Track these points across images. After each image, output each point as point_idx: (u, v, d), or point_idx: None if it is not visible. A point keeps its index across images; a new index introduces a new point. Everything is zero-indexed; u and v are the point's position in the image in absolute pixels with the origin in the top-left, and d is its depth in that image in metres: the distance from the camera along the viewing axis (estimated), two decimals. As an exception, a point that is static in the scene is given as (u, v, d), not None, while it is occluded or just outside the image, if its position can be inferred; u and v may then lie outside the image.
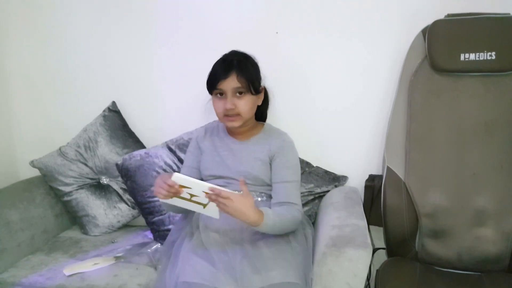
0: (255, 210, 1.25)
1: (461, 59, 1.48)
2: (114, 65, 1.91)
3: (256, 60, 1.46)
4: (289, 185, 1.42)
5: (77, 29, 1.91)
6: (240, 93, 1.38)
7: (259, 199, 1.44)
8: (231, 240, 1.33)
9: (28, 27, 1.95)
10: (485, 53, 1.46)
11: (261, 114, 1.55)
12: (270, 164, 1.45)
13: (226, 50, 1.49)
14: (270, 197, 1.46)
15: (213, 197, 1.19)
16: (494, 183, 1.46)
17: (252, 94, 1.40)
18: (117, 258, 1.54)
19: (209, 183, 1.27)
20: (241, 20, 1.77)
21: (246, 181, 1.42)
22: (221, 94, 1.40)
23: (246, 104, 1.40)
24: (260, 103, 1.49)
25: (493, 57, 1.45)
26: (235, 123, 1.41)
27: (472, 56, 1.47)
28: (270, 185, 1.46)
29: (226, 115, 1.40)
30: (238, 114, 1.39)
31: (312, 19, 1.72)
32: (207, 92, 1.43)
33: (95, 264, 1.50)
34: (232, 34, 1.77)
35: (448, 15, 1.52)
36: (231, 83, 1.37)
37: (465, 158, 1.49)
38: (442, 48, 1.49)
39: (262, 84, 1.48)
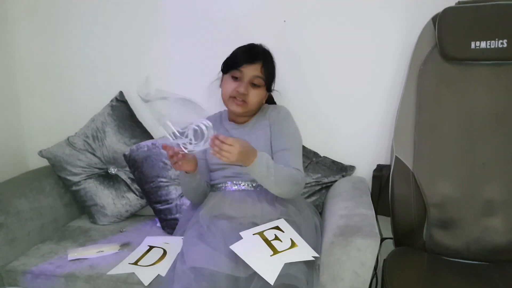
0: (253, 148, 1.23)
1: (471, 47, 1.45)
2: (122, 55, 1.91)
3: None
4: (288, 152, 1.38)
5: (85, 19, 1.91)
6: (256, 84, 1.39)
7: (257, 188, 1.42)
8: (241, 226, 1.31)
9: (36, 17, 1.95)
10: (496, 41, 1.44)
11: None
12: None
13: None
14: None
15: (217, 143, 1.13)
16: (504, 173, 1.45)
17: (265, 89, 1.42)
18: (122, 246, 1.56)
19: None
20: (248, 9, 1.76)
21: None
22: (237, 77, 1.40)
23: (256, 96, 1.41)
24: (264, 101, 1.51)
25: (505, 45, 1.43)
26: (239, 108, 1.41)
27: (483, 44, 1.44)
28: None
29: (234, 97, 1.40)
30: (245, 102, 1.40)
31: (320, 7, 1.70)
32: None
33: (99, 251, 1.51)
34: (240, 23, 1.76)
35: (459, 2, 1.50)
36: (254, 70, 1.38)
37: (474, 148, 1.47)
38: (453, 36, 1.47)
39: (273, 86, 1.49)
